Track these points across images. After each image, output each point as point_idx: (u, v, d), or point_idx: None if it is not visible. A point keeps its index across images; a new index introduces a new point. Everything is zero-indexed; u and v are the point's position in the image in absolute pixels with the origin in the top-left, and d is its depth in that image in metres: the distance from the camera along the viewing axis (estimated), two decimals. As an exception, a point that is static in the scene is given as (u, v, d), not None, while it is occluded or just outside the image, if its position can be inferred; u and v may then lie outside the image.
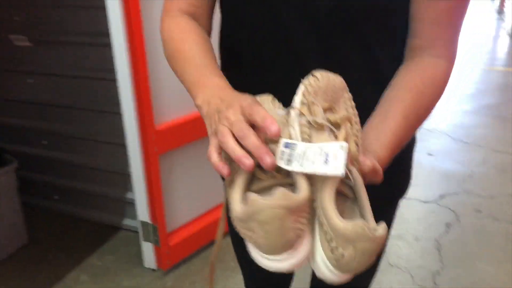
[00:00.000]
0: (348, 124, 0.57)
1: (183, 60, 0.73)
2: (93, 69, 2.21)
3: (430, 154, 3.30)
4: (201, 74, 0.69)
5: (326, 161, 0.51)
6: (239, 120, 0.55)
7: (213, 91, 0.64)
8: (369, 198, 0.56)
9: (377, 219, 0.54)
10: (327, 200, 0.52)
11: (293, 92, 0.61)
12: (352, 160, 0.56)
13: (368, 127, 0.68)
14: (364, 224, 0.50)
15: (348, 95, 0.62)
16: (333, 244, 0.51)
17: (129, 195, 2.32)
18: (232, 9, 0.80)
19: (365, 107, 0.66)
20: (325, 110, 0.58)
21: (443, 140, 3.58)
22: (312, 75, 0.60)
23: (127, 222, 2.42)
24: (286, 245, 0.52)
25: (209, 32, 0.84)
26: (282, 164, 0.53)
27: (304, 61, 0.75)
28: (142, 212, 2.00)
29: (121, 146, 2.11)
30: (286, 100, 0.63)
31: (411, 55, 0.75)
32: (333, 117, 0.57)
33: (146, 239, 2.06)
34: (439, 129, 3.79)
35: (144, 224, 2.02)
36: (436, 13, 0.72)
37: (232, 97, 0.60)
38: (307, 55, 0.75)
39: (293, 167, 0.52)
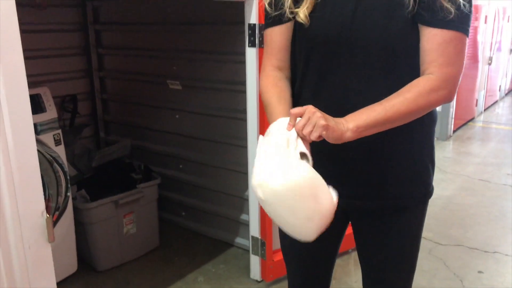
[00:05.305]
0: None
1: (268, 106, 1.23)
2: (227, 110, 2.74)
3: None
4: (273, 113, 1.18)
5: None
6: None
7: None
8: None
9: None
10: None
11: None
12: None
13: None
14: None
15: None
16: None
17: (243, 217, 2.74)
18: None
19: None
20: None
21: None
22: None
23: (239, 240, 2.83)
24: None
25: (289, 77, 1.27)
26: None
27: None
28: (254, 229, 2.40)
29: (243, 174, 2.57)
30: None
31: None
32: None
33: (255, 253, 2.44)
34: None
35: (254, 239, 2.41)
36: (431, 45, 1.06)
37: None
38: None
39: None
